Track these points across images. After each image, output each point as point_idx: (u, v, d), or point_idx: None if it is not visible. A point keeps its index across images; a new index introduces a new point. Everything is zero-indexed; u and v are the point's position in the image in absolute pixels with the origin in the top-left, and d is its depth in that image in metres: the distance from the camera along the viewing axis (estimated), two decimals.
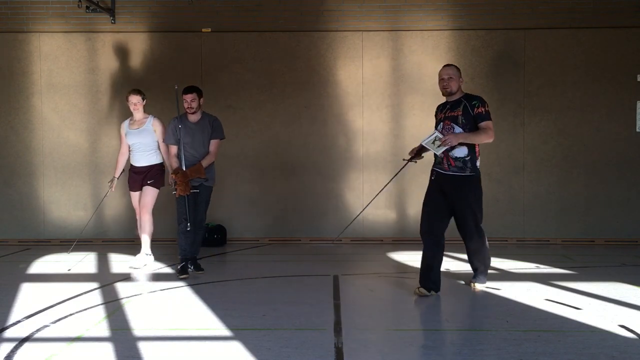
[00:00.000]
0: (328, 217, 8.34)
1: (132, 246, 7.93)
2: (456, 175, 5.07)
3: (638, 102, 8.14)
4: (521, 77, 8.22)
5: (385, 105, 8.25)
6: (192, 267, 6.17)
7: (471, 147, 5.06)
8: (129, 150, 6.65)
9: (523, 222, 8.26)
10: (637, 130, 8.16)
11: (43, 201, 8.36)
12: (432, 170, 5.27)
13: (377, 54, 8.28)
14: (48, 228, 8.36)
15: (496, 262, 6.77)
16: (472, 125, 5.05)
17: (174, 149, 6.14)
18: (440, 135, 5.00)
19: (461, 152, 5.04)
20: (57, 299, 5.02)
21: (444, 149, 5.00)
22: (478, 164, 5.14)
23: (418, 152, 5.33)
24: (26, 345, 3.87)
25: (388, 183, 6.25)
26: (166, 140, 6.25)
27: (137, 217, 6.68)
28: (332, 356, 3.64)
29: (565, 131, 8.21)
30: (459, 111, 5.10)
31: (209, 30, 8.32)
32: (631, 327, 4.18)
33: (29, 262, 6.92)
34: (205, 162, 6.10)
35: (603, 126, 8.19)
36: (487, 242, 5.33)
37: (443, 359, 3.70)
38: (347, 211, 8.31)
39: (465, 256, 7.11)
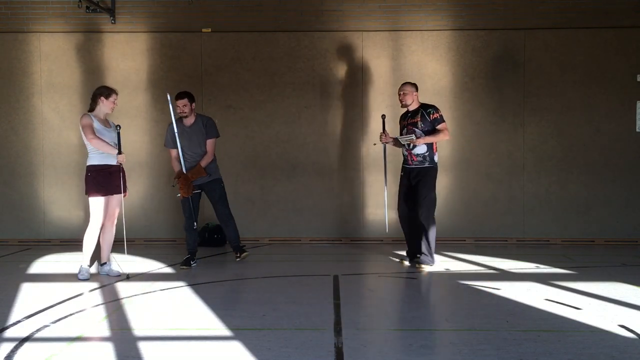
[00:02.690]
0: (328, 217, 8.34)
1: (132, 246, 7.92)
2: (418, 167, 6.43)
3: (638, 102, 8.15)
4: (521, 77, 8.22)
5: (385, 105, 8.24)
6: (194, 262, 6.58)
7: (429, 146, 6.38)
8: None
9: (523, 222, 8.26)
10: (637, 130, 8.16)
11: (43, 201, 8.36)
12: (402, 167, 6.64)
13: (377, 54, 8.28)
14: (48, 228, 8.36)
15: (496, 262, 6.78)
16: (430, 127, 6.38)
17: (174, 152, 6.46)
18: (413, 137, 6.34)
19: (421, 149, 6.38)
20: (57, 299, 5.02)
21: (408, 143, 6.41)
22: (436, 158, 6.46)
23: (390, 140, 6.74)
24: (26, 345, 3.87)
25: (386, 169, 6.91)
26: (167, 145, 6.60)
27: (101, 225, 5.96)
28: (332, 356, 3.64)
29: (565, 131, 8.21)
30: (417, 118, 6.44)
31: (209, 30, 8.32)
32: (631, 327, 4.18)
33: (29, 262, 6.92)
34: (203, 162, 6.47)
35: (603, 126, 8.19)
36: (434, 230, 6.42)
37: (443, 359, 3.70)
38: (347, 211, 8.31)
39: (464, 255, 7.17)
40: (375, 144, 7.35)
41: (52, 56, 8.32)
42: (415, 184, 6.41)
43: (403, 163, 6.64)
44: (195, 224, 6.48)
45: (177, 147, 6.36)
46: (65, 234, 8.31)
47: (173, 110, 6.48)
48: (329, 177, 8.34)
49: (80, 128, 5.94)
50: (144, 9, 8.34)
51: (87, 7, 8.14)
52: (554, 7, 8.18)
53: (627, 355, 3.67)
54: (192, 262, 6.53)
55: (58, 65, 8.32)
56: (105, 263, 6.15)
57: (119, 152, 5.87)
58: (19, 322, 4.38)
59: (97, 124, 5.95)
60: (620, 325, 4.23)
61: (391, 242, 8.23)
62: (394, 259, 7.09)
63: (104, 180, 5.88)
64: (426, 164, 6.38)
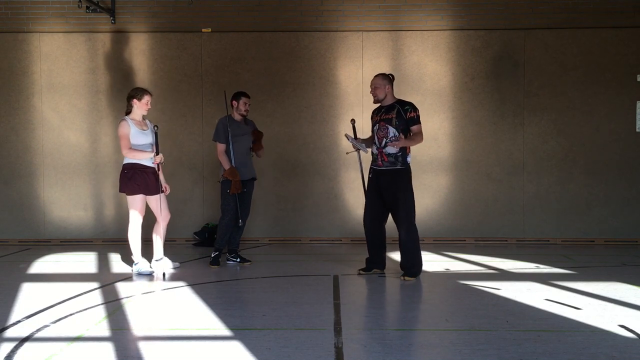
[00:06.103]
0: (328, 217, 8.34)
1: None
2: (389, 169, 5.80)
3: (638, 102, 8.15)
4: (521, 77, 8.22)
5: None
6: (237, 260, 6.67)
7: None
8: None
9: (523, 222, 8.27)
10: (637, 130, 8.17)
11: (43, 201, 8.36)
12: (370, 169, 6.00)
13: (377, 54, 8.28)
14: (48, 228, 8.36)
15: (496, 262, 6.78)
16: (405, 126, 5.77)
17: (223, 147, 6.46)
18: (360, 148, 6.02)
19: (394, 149, 5.76)
20: (57, 299, 5.02)
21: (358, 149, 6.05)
22: (409, 159, 5.86)
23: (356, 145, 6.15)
24: (26, 345, 3.87)
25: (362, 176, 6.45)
26: (217, 139, 6.51)
27: (140, 223, 6.20)
28: (332, 356, 3.64)
29: (565, 131, 8.21)
30: (392, 114, 5.79)
31: (209, 30, 8.32)
32: (631, 327, 4.18)
33: (29, 262, 6.92)
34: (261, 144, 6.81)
35: (603, 126, 8.19)
36: (418, 240, 5.84)
37: (443, 359, 3.70)
38: (347, 211, 8.31)
39: (464, 255, 7.17)
40: (348, 153, 6.72)
41: (52, 56, 8.32)
42: (388, 190, 5.81)
43: (372, 164, 5.99)
44: (241, 221, 6.50)
45: (228, 142, 6.41)
46: (65, 234, 8.31)
47: (227, 106, 6.54)
48: (329, 177, 8.34)
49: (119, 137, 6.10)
50: (144, 9, 8.34)
51: (87, 7, 8.14)
52: (554, 7, 8.19)
53: (627, 355, 3.67)
54: (236, 260, 6.66)
55: (58, 65, 8.32)
56: (160, 259, 6.30)
57: (157, 153, 6.01)
58: (19, 322, 4.38)
59: (133, 129, 6.03)
60: (620, 325, 4.23)
61: (390, 242, 8.22)
62: (394, 259, 7.09)
63: (140, 178, 5.99)
64: (398, 166, 5.77)
